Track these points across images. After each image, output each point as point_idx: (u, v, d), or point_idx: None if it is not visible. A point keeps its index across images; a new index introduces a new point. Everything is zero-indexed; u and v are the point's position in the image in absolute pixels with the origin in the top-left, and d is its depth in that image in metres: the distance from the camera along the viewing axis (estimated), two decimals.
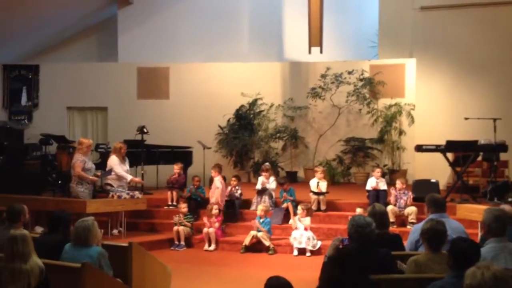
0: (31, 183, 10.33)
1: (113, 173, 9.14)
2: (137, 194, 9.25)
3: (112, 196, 8.95)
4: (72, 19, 14.58)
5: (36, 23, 13.81)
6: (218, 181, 9.55)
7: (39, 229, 8.11)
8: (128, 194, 9.08)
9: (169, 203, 10.02)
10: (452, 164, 9.93)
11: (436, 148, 9.67)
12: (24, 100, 14.65)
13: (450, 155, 10.12)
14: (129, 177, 9.28)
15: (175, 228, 8.85)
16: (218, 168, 9.80)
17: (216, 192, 9.44)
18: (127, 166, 9.40)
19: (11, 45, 14.67)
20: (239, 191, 9.72)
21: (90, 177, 8.71)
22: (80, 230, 4.75)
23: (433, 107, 13.07)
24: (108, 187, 9.21)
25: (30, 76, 14.63)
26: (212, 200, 9.38)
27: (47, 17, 13.78)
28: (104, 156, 11.10)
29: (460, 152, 9.95)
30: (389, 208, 8.50)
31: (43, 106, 14.55)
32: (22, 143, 13.49)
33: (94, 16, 15.17)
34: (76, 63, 14.76)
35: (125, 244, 5.30)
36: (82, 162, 8.58)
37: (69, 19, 14.55)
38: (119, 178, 9.18)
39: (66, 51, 15.49)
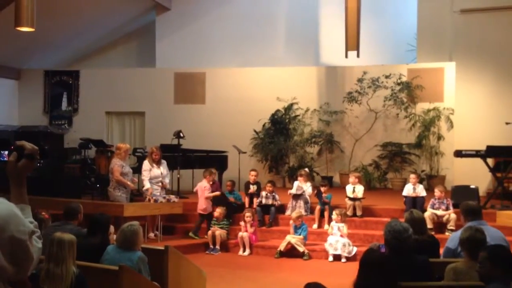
0: (71, 186, 10.59)
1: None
2: (173, 198, 9.34)
3: (149, 200, 9.08)
4: (111, 26, 14.89)
5: (76, 30, 14.15)
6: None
7: None
8: (164, 198, 9.18)
9: None
10: (493, 170, 9.70)
11: (476, 154, 9.45)
12: (64, 105, 14.99)
13: (490, 161, 9.88)
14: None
15: (210, 232, 8.91)
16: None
17: None
18: (161, 170, 9.26)
19: (52, 52, 15.08)
20: (276, 197, 9.64)
21: (129, 183, 8.82)
22: (128, 235, 4.82)
23: (473, 111, 12.76)
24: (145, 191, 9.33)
25: (70, 82, 14.96)
26: None
27: (87, 24, 14.11)
28: (142, 160, 11.26)
29: (501, 157, 9.72)
30: (427, 214, 8.34)
31: (83, 111, 14.87)
32: (62, 147, 13.87)
33: (133, 23, 15.45)
34: (115, 69, 15.05)
35: (162, 248, 5.35)
36: (120, 166, 8.70)
37: (109, 26, 14.87)
38: (156, 182, 9.27)
39: (105, 57, 15.85)
